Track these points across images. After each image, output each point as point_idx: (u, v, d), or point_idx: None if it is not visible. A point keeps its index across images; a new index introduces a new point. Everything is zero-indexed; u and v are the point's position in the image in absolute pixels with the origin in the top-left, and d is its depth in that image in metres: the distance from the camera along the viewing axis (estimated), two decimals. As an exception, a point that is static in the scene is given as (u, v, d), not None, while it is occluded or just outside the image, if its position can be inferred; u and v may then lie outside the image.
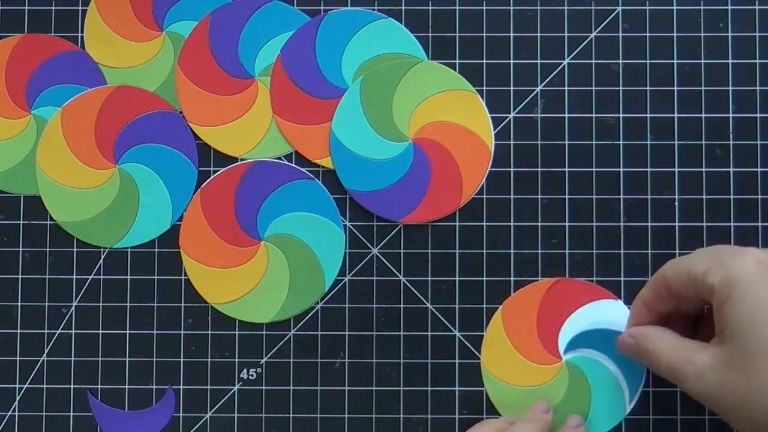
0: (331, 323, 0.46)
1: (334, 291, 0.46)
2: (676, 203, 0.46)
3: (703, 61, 0.46)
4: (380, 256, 0.46)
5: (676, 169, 0.46)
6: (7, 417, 0.46)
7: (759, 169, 0.46)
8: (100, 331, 0.46)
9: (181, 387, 0.46)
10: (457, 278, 0.46)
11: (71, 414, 0.46)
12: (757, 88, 0.46)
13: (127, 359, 0.46)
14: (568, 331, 0.45)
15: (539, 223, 0.46)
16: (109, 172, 0.47)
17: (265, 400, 0.46)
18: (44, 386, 0.46)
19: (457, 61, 0.47)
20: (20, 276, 0.47)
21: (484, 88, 0.47)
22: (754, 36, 0.46)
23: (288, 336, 0.46)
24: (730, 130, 0.46)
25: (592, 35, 0.47)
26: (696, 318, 0.43)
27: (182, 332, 0.46)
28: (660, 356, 0.39)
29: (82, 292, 0.46)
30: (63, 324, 0.46)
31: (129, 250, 0.47)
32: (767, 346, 0.35)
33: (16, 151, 0.47)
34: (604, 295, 0.45)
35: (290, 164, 0.47)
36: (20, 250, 0.47)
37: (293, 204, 0.46)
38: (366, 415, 0.46)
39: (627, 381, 0.45)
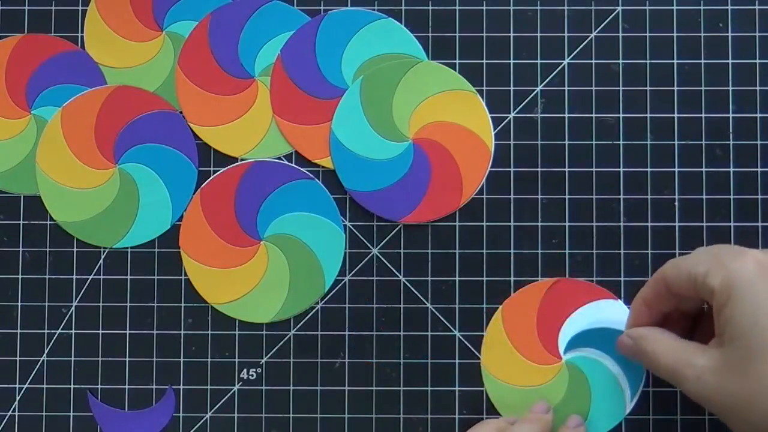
0: (331, 323, 0.46)
1: (334, 291, 0.46)
2: (676, 203, 0.46)
3: (703, 61, 0.46)
4: (380, 256, 0.46)
5: (676, 169, 0.46)
6: (7, 417, 0.46)
7: (759, 169, 0.46)
8: (100, 331, 0.46)
9: (181, 387, 0.46)
10: (457, 278, 0.46)
11: (71, 414, 0.46)
12: (757, 88, 0.46)
13: (127, 359, 0.46)
14: (568, 331, 0.45)
15: (539, 223, 0.46)
16: (109, 172, 0.47)
17: (265, 400, 0.46)
18: (44, 386, 0.46)
19: (457, 61, 0.47)
20: (20, 276, 0.47)
21: (484, 88, 0.47)
22: (754, 36, 0.46)
23: (288, 336, 0.46)
24: (730, 130, 0.46)
25: (592, 35, 0.47)
26: (695, 317, 0.42)
27: (182, 332, 0.46)
28: (659, 358, 0.39)
29: (82, 292, 0.46)
30: (63, 324, 0.46)
31: (129, 250, 0.47)
32: (767, 349, 0.35)
33: (16, 151, 0.47)
34: (604, 295, 0.45)
35: (290, 164, 0.47)
36: (20, 250, 0.47)
37: (293, 204, 0.46)
38: (366, 415, 0.46)
39: (627, 381, 0.45)
